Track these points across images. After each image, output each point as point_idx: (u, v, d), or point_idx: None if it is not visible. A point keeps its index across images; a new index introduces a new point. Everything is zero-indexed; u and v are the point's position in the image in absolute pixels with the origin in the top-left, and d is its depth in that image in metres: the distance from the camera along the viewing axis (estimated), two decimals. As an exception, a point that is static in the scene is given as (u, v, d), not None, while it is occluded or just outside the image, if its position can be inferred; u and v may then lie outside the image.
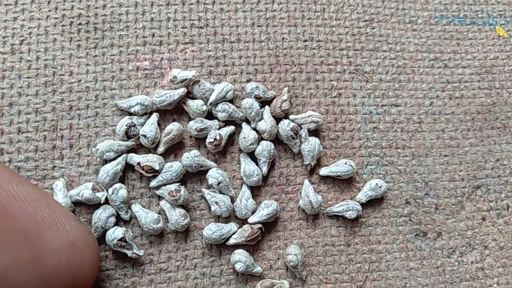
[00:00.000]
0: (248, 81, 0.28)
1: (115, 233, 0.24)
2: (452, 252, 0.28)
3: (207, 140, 0.26)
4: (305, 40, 0.30)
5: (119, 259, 0.25)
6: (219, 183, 0.26)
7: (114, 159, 0.26)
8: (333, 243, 0.27)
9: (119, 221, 0.25)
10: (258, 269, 0.25)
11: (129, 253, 0.24)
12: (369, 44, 0.30)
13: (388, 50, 0.30)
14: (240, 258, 0.25)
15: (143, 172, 0.25)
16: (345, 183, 0.28)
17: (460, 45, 0.31)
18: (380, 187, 0.27)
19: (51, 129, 0.26)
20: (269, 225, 0.27)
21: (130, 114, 0.27)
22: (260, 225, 0.26)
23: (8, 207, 0.19)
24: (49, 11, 0.28)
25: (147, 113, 0.27)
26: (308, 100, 0.29)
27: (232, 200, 0.26)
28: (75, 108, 0.27)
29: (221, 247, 0.26)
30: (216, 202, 0.26)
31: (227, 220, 0.26)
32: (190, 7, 0.29)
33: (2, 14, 0.27)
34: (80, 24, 0.28)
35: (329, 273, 0.26)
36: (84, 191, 0.24)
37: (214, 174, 0.26)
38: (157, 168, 0.25)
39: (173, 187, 0.25)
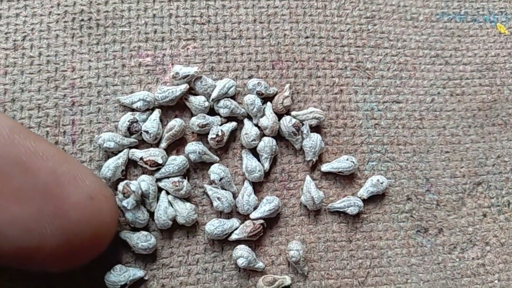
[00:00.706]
0: (250, 77, 0.28)
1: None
2: (453, 248, 0.28)
3: (209, 136, 0.26)
4: (307, 37, 0.30)
5: (121, 254, 0.25)
6: (221, 179, 0.26)
7: (115, 154, 0.26)
8: (335, 239, 0.27)
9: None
10: (260, 264, 0.26)
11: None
12: (370, 41, 0.30)
13: (390, 47, 0.30)
14: (242, 253, 0.25)
15: (147, 167, 0.25)
16: (347, 179, 0.28)
17: (461, 42, 0.31)
18: (381, 183, 0.27)
19: (53, 125, 0.26)
20: (271, 221, 0.27)
21: (132, 110, 0.27)
22: (262, 221, 0.26)
23: (28, 164, 0.19)
24: (52, 7, 0.28)
25: (149, 109, 0.27)
26: (310, 96, 0.29)
27: (234, 196, 0.26)
28: (78, 104, 0.27)
29: (223, 242, 0.26)
30: (218, 198, 0.26)
31: (229, 215, 0.26)
32: (192, 4, 0.29)
33: (5, 10, 0.27)
34: (82, 20, 0.28)
35: (330, 268, 0.27)
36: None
37: (216, 170, 0.26)
38: (160, 162, 0.25)
39: (176, 178, 0.25)
